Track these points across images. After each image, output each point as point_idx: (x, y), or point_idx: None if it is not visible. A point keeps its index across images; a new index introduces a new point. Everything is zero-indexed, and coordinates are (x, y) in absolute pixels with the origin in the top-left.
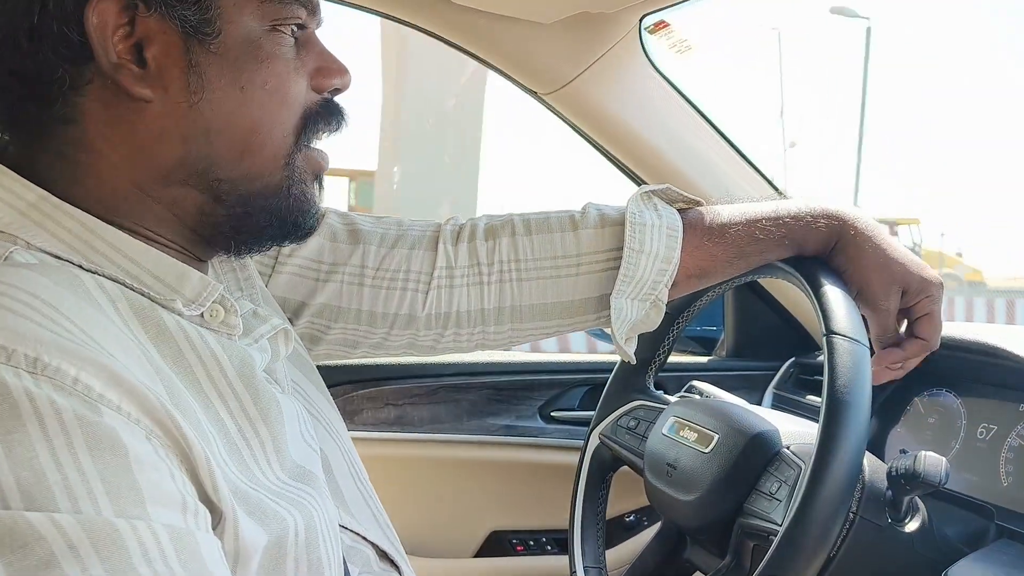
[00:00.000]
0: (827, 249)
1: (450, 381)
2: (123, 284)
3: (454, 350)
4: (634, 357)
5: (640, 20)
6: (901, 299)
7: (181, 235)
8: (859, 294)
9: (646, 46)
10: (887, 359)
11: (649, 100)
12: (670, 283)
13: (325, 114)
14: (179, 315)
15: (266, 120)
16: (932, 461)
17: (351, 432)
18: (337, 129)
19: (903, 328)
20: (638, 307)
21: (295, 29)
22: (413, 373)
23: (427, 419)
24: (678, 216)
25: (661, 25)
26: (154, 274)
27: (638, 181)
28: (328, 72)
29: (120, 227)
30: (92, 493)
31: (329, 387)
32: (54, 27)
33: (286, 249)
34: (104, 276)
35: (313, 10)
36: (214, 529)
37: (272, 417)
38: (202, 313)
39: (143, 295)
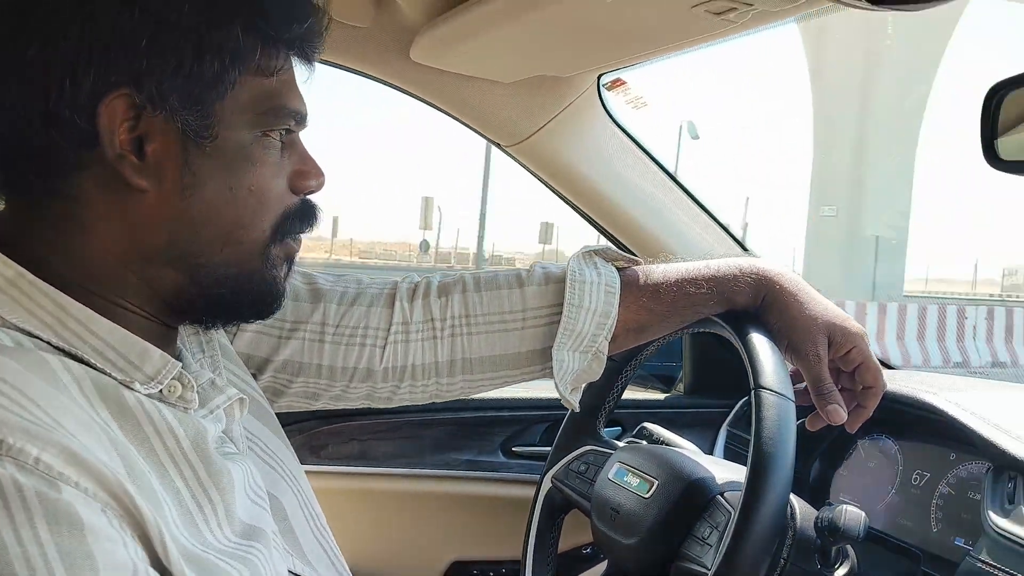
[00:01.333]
0: (756, 303)
1: (414, 417)
2: (88, 364)
3: (410, 401)
4: (577, 406)
5: (599, 78)
6: (829, 350)
7: (154, 306)
8: (788, 346)
9: (605, 101)
10: (858, 419)
11: (608, 153)
12: (609, 336)
13: (300, 214)
14: (138, 392)
15: (247, 217)
16: (852, 516)
17: (316, 466)
18: (310, 229)
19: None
20: (580, 359)
21: (283, 134)
22: (378, 409)
23: (391, 454)
24: (616, 273)
25: (618, 83)
26: (118, 351)
27: (600, 228)
28: (306, 175)
29: (97, 296)
30: (49, 564)
31: (295, 423)
32: (66, 113)
33: None
34: (71, 356)
35: (301, 120)
36: None
37: (223, 483)
38: (160, 389)
39: (106, 374)
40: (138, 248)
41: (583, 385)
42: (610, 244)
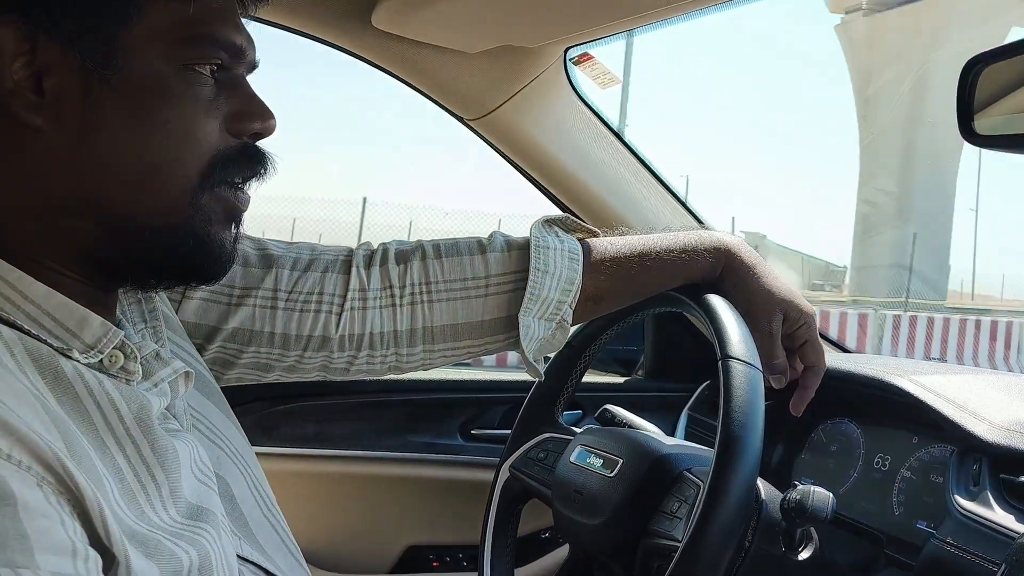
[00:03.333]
0: (714, 276)
1: (371, 398)
2: (21, 330)
3: (367, 373)
4: (542, 374)
5: (565, 52)
6: (783, 324)
7: (81, 266)
8: (744, 319)
9: (572, 77)
10: (802, 400)
11: (573, 128)
12: (574, 304)
13: (241, 159)
14: (76, 361)
15: (167, 161)
16: (820, 497)
17: (268, 448)
18: (261, 175)
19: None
20: (544, 326)
21: (214, 69)
22: (333, 390)
23: (347, 435)
24: (577, 242)
25: (585, 58)
26: (54, 317)
27: (561, 206)
28: (246, 116)
29: (14, 259)
30: None
31: (246, 402)
32: None
33: None
34: (3, 322)
35: (237, 53)
36: (106, 573)
37: (168, 461)
38: (100, 359)
39: (41, 341)
40: (41, 197)
41: (543, 357)
42: (569, 216)
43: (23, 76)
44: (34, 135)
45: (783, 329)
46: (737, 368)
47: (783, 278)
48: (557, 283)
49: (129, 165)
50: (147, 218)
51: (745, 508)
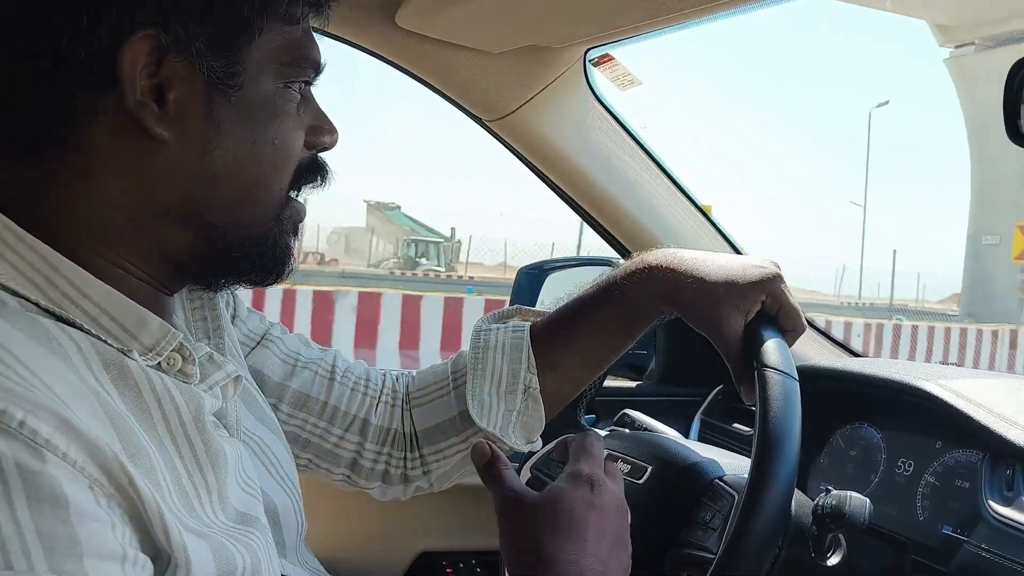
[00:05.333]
0: (665, 301)
1: None
2: (82, 330)
3: (384, 482)
4: (524, 447)
5: (585, 53)
6: (744, 309)
7: (158, 269)
8: (701, 327)
9: (591, 79)
10: None
11: (591, 131)
12: (533, 369)
13: (313, 169)
14: (136, 362)
15: (269, 174)
16: (857, 502)
17: None
18: (323, 185)
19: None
20: (509, 400)
21: (302, 86)
22: None
23: None
24: (520, 321)
25: (606, 59)
26: (113, 317)
27: (578, 209)
28: (323, 131)
29: (96, 256)
30: (26, 548)
31: None
32: (81, 54)
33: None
34: (67, 323)
35: (319, 71)
36: (164, 573)
37: (219, 465)
38: (159, 362)
39: (101, 341)
40: (150, 205)
41: (534, 428)
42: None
43: (146, 86)
44: (154, 146)
45: (748, 308)
46: (773, 378)
47: (726, 261)
48: (502, 354)
49: (239, 177)
50: (244, 228)
51: (782, 520)
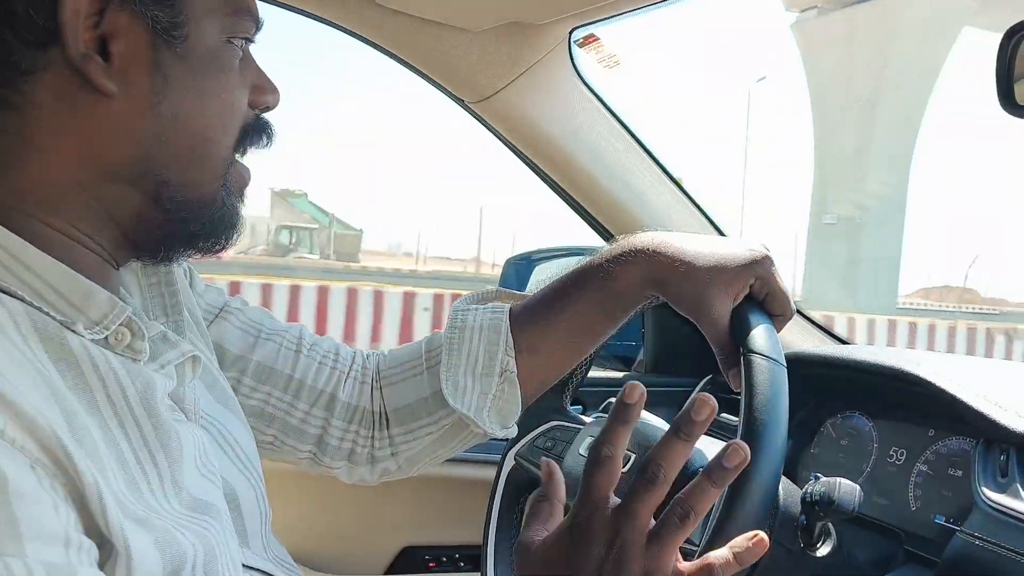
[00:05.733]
0: (654, 288)
1: None
2: (24, 301)
3: (351, 461)
4: (499, 432)
5: (570, 33)
6: (732, 293)
7: (107, 236)
8: (690, 314)
9: (575, 59)
10: None
11: (576, 113)
12: (511, 351)
13: (257, 130)
14: (82, 336)
15: (215, 129)
16: (847, 489)
17: None
18: (267, 145)
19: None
20: (484, 382)
21: (244, 43)
22: None
23: None
24: (500, 303)
25: (591, 39)
26: (58, 291)
27: (561, 192)
28: (265, 90)
29: (40, 223)
30: None
31: None
32: (19, 7)
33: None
34: (5, 292)
35: (259, 27)
36: (104, 563)
37: (171, 447)
38: (106, 336)
39: (44, 314)
40: (97, 165)
41: (510, 413)
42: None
43: (89, 38)
44: (100, 101)
45: (737, 293)
46: (760, 363)
47: (714, 246)
48: (479, 335)
49: (187, 133)
50: (192, 188)
51: (767, 510)
